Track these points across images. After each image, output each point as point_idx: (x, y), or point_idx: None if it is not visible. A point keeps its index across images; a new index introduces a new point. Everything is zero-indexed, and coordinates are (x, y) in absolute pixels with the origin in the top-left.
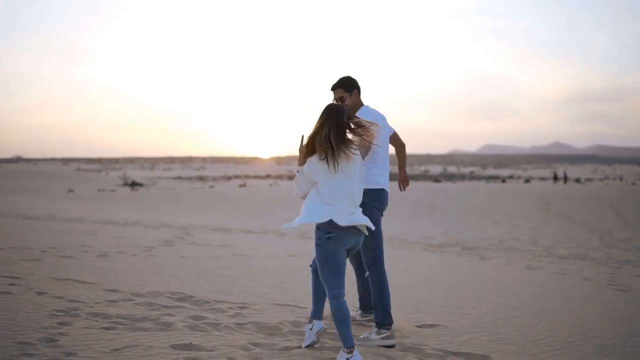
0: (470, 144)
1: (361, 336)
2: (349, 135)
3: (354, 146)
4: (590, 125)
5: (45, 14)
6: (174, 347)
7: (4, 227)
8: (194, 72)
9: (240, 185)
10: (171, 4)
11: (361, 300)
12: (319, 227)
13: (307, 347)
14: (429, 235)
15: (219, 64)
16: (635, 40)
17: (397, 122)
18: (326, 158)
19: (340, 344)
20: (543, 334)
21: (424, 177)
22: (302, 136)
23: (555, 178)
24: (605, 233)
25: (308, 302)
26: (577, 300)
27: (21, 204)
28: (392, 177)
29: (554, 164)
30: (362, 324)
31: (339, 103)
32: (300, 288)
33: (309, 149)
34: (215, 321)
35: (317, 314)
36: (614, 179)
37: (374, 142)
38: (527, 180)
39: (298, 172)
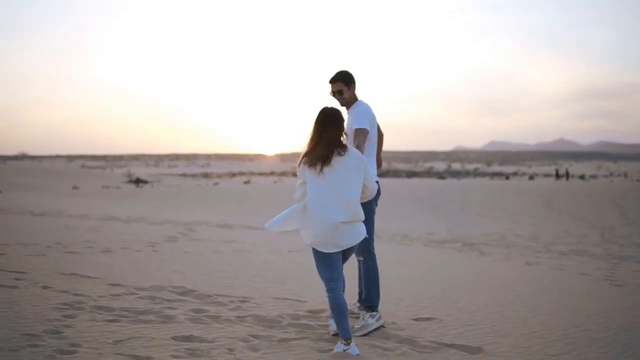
0: (475, 141)
1: (357, 325)
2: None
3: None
4: (595, 121)
5: (49, 10)
6: (175, 338)
7: (10, 224)
8: (199, 69)
9: (245, 182)
10: (177, 1)
11: (361, 294)
12: None
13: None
14: (430, 232)
15: (225, 61)
16: None
17: (401, 119)
18: (315, 163)
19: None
20: (537, 327)
21: (429, 173)
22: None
23: (557, 175)
24: (607, 229)
25: (307, 296)
26: (573, 295)
27: (27, 200)
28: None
29: (559, 161)
30: (355, 317)
31: (337, 97)
32: (300, 283)
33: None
34: (216, 314)
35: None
36: (619, 175)
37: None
38: (531, 177)
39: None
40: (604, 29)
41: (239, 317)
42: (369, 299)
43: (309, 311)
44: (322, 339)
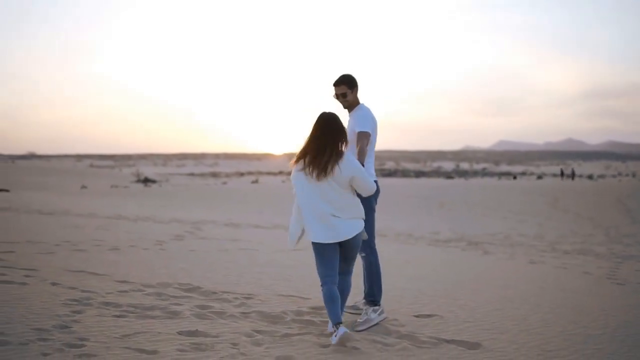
0: (483, 140)
1: (360, 319)
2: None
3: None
4: (603, 121)
5: (56, 9)
6: (180, 333)
7: (19, 222)
8: (209, 68)
9: (253, 182)
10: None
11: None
12: None
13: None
14: (435, 231)
15: (233, 61)
16: None
17: (409, 118)
18: (305, 167)
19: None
20: (536, 324)
21: (437, 173)
22: None
23: (562, 175)
24: (612, 228)
25: (311, 293)
26: (574, 293)
27: (36, 199)
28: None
29: (567, 161)
30: (357, 313)
31: (340, 99)
32: (304, 280)
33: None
34: (221, 310)
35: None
36: (627, 175)
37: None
38: (539, 177)
39: None
40: (612, 28)
41: (244, 313)
42: (372, 293)
43: (312, 308)
44: (324, 334)
